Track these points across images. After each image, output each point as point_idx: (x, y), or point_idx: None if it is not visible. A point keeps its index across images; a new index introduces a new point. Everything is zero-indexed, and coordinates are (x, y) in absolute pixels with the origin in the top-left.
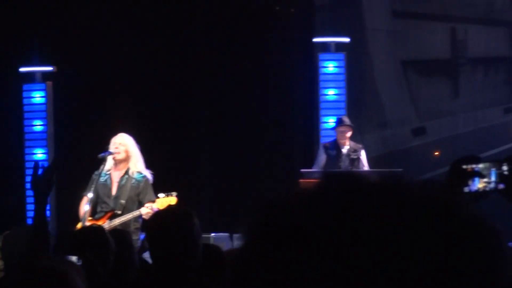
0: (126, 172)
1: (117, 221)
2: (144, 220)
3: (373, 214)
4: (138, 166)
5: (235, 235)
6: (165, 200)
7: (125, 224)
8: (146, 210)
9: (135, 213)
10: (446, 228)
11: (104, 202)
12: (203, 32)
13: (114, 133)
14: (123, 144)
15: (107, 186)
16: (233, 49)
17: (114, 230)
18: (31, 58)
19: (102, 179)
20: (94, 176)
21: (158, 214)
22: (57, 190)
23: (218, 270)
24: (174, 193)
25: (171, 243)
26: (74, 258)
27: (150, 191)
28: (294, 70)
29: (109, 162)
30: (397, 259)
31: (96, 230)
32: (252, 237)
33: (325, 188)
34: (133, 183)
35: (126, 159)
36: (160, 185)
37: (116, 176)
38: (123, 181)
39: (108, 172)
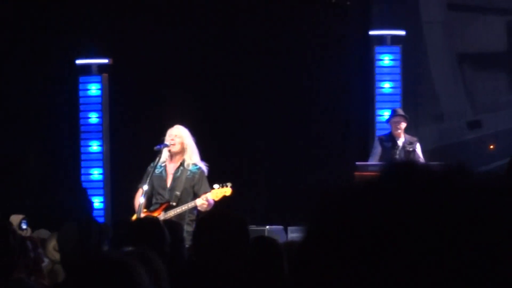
0: (181, 164)
1: (172, 213)
2: (199, 212)
3: (437, 204)
4: (193, 158)
5: (290, 228)
6: (220, 191)
7: (180, 215)
8: (201, 201)
9: (190, 204)
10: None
11: (159, 194)
12: (258, 25)
13: (170, 125)
14: (179, 136)
15: (162, 177)
16: (288, 42)
17: (166, 221)
18: (88, 50)
19: (157, 171)
20: (149, 169)
21: (213, 217)
22: (113, 182)
23: (275, 263)
24: (229, 184)
25: (220, 250)
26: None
27: (205, 183)
28: (350, 63)
29: (164, 154)
30: (463, 249)
31: (152, 222)
32: (316, 228)
33: (388, 178)
34: (188, 175)
35: (182, 151)
36: (215, 177)
37: (171, 168)
38: (178, 173)
39: (163, 164)
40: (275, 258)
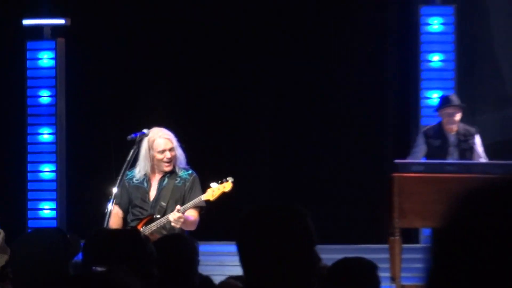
0: (169, 172)
1: (153, 227)
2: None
3: None
4: (182, 163)
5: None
6: (216, 189)
7: (170, 231)
8: (174, 216)
9: (163, 220)
10: None
11: (139, 207)
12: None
13: (144, 106)
14: (173, 149)
15: (143, 189)
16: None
17: (168, 236)
18: (38, 7)
19: (135, 179)
20: (125, 172)
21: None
22: (69, 181)
23: None
24: (230, 179)
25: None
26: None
27: (196, 189)
28: (387, 27)
29: (143, 166)
30: None
31: (132, 234)
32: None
33: None
34: (178, 183)
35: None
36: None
37: (155, 177)
38: (165, 182)
39: (143, 176)
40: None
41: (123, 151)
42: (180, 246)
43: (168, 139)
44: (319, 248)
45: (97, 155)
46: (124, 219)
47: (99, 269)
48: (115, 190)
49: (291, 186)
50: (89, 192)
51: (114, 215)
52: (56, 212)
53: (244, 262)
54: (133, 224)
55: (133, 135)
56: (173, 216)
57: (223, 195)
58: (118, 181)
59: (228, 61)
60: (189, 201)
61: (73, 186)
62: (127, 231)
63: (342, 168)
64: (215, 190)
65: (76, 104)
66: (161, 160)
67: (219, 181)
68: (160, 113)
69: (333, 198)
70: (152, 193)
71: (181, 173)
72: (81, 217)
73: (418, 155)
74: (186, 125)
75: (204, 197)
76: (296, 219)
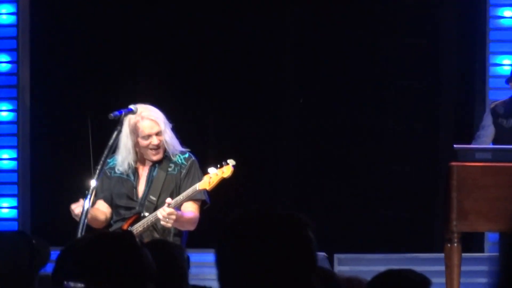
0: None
1: (139, 227)
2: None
3: None
4: (176, 147)
5: (338, 256)
6: (214, 176)
7: (164, 234)
8: (163, 212)
9: (151, 217)
10: None
11: (124, 207)
12: None
13: (130, 76)
14: (161, 133)
15: (128, 182)
16: None
17: (152, 242)
18: None
19: (118, 170)
20: (106, 160)
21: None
22: (34, 172)
23: None
24: (231, 161)
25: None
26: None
27: (195, 176)
28: None
29: (125, 154)
30: None
31: (123, 238)
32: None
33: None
34: (171, 171)
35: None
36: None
37: (143, 167)
38: (155, 171)
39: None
40: None
41: (104, 134)
42: (160, 255)
43: (154, 120)
44: (358, 257)
45: (71, 139)
46: (108, 215)
47: (72, 284)
48: (93, 183)
49: (317, 180)
50: (60, 186)
51: (96, 211)
52: (18, 211)
53: (221, 279)
54: (116, 226)
55: (117, 113)
56: (162, 212)
57: (223, 182)
58: (98, 171)
59: (240, 20)
60: (183, 191)
61: (40, 178)
62: (117, 235)
63: (384, 158)
64: (213, 176)
65: (44, 73)
66: (146, 147)
67: (218, 166)
68: (151, 84)
69: (373, 196)
70: (141, 188)
71: (175, 158)
72: (50, 218)
73: (485, 139)
74: (184, 100)
75: (200, 185)
76: (292, 231)
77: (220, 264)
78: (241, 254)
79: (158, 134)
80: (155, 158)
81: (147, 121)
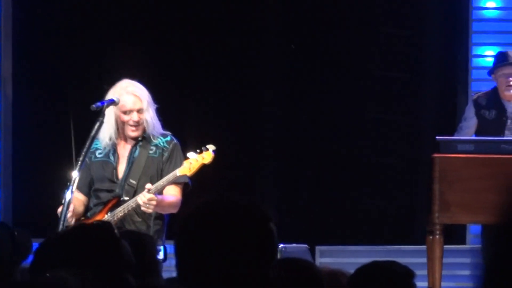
0: (140, 140)
1: (120, 213)
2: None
3: None
4: (157, 128)
5: (320, 248)
6: (194, 162)
7: (143, 221)
8: (144, 198)
9: (131, 202)
10: None
11: (104, 190)
12: None
13: (113, 67)
14: (142, 111)
15: (109, 164)
16: None
17: (126, 232)
18: None
19: (99, 154)
20: (88, 151)
21: (213, 209)
22: (15, 164)
23: None
24: (211, 147)
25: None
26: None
27: (177, 160)
28: None
29: (108, 131)
30: None
31: (101, 229)
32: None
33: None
34: (152, 153)
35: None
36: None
37: (123, 147)
38: (136, 153)
39: (109, 145)
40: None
41: (86, 125)
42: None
43: (138, 97)
44: (340, 249)
45: (53, 131)
46: (86, 206)
47: (51, 275)
48: (75, 174)
49: (299, 171)
50: (42, 178)
51: (73, 201)
52: None
53: (180, 268)
54: (96, 209)
55: (99, 104)
56: (142, 198)
57: (203, 168)
58: (80, 162)
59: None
60: (165, 175)
61: (22, 170)
62: (96, 226)
63: (366, 149)
64: (193, 162)
65: (26, 64)
66: (126, 123)
67: (197, 150)
68: (133, 70)
69: (355, 188)
70: (121, 169)
71: (157, 140)
72: (32, 209)
73: (468, 131)
74: (168, 85)
75: (180, 171)
76: (254, 223)
77: (179, 253)
78: (199, 244)
79: (139, 111)
80: (132, 135)
81: (130, 96)
